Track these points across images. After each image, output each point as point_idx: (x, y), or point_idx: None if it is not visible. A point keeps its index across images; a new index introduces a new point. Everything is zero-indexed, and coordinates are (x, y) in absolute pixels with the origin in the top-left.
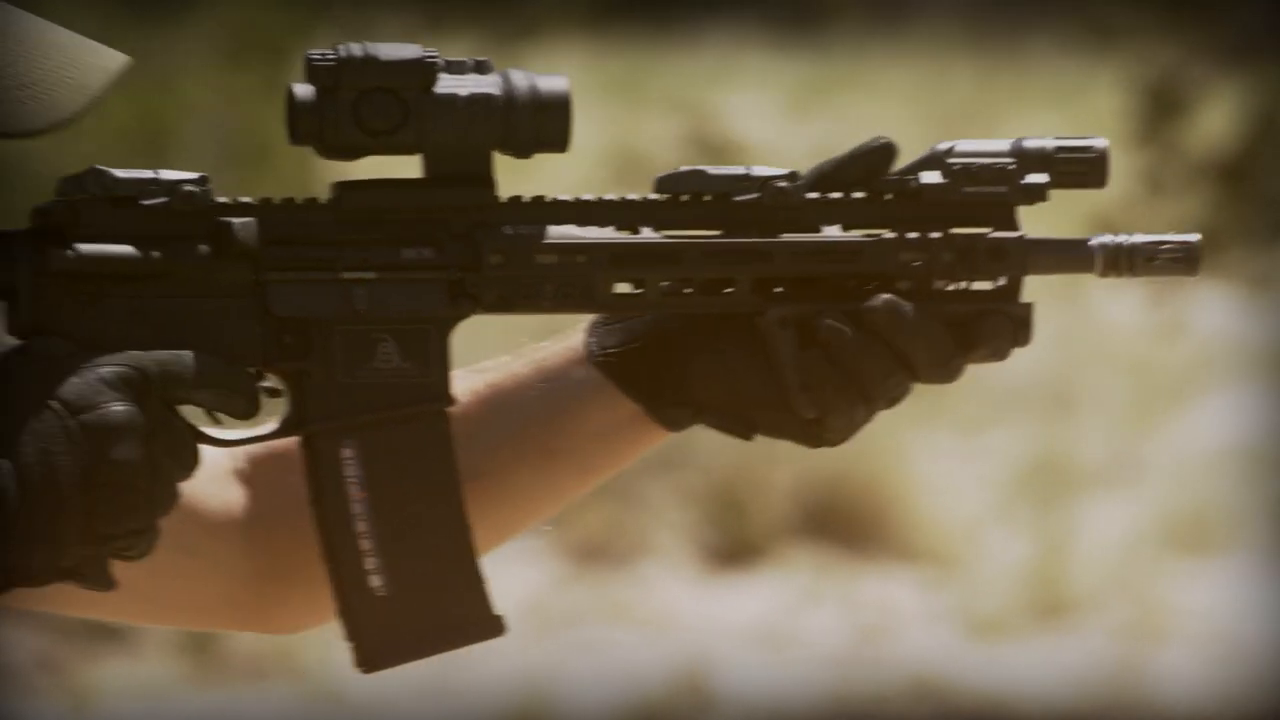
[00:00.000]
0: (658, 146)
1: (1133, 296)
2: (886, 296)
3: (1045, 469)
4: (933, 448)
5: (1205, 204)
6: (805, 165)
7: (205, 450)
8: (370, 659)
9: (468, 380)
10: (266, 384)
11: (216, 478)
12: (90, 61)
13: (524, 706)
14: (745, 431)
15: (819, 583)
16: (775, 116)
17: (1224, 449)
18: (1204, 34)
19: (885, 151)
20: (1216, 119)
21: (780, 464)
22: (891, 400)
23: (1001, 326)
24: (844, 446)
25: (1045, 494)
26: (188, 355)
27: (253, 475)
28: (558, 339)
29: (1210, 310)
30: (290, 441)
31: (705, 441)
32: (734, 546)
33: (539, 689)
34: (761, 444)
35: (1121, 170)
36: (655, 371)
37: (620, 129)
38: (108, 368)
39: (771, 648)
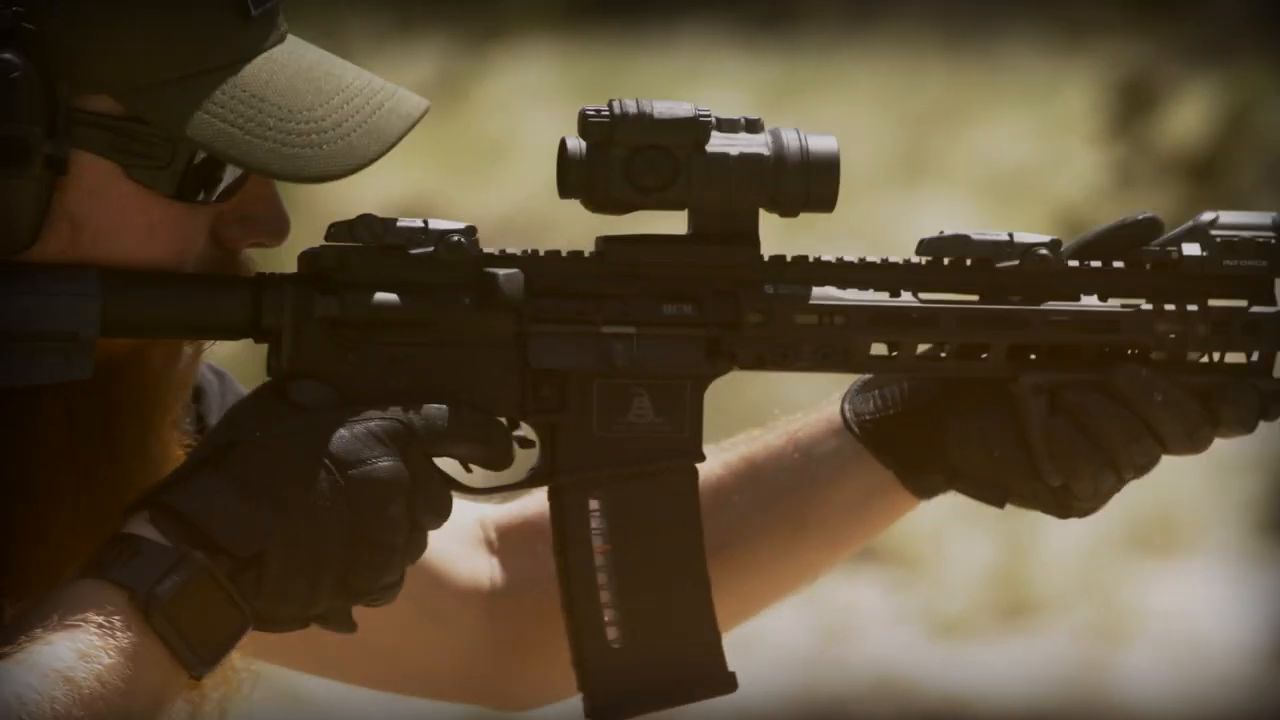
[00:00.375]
0: None
1: None
2: (1131, 366)
3: None
4: None
5: (1175, 199)
6: None
7: (458, 518)
8: (602, 711)
9: (720, 454)
10: (519, 434)
11: (468, 546)
12: (390, 107)
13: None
14: (998, 499)
15: None
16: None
17: None
18: (1175, 31)
19: (1151, 225)
20: (1187, 115)
21: None
22: (1139, 469)
23: (1249, 399)
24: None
25: None
26: (447, 408)
27: (502, 547)
28: (810, 411)
29: None
30: (539, 511)
31: None
32: None
33: None
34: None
35: (1091, 166)
36: (911, 438)
37: None
38: (376, 422)
39: (736, 648)
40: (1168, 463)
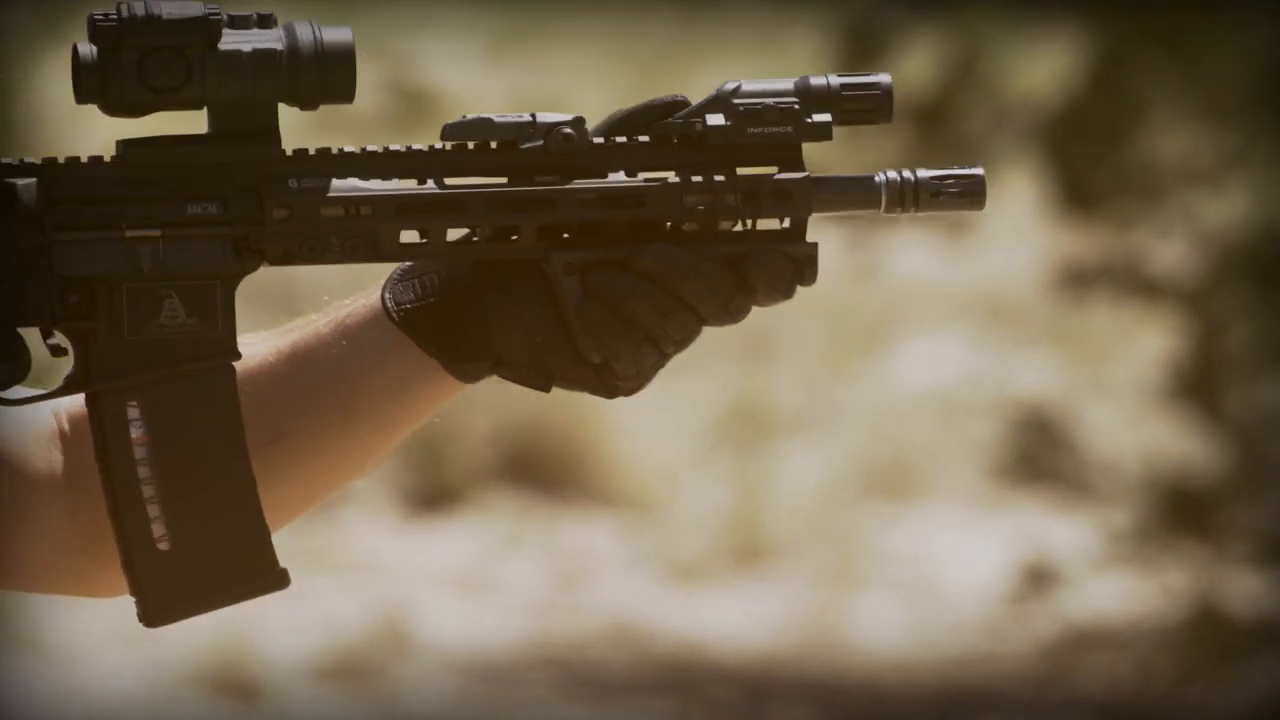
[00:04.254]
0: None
1: (829, 240)
2: (656, 243)
3: (743, 414)
4: None
5: (902, 148)
6: (503, 110)
7: (29, 411)
8: (154, 614)
9: (272, 340)
10: (52, 342)
11: (42, 440)
12: None
13: (222, 652)
14: (543, 383)
15: (518, 528)
16: (473, 63)
17: (920, 393)
18: None
19: (675, 102)
20: (913, 63)
21: (479, 410)
22: (679, 343)
23: (781, 265)
24: (540, 393)
25: (743, 439)
26: None
27: (74, 435)
28: (359, 296)
29: (906, 254)
30: None
31: None
32: (433, 492)
33: (237, 635)
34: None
35: None
36: (452, 325)
37: None
38: None
39: (471, 593)
40: (902, 407)
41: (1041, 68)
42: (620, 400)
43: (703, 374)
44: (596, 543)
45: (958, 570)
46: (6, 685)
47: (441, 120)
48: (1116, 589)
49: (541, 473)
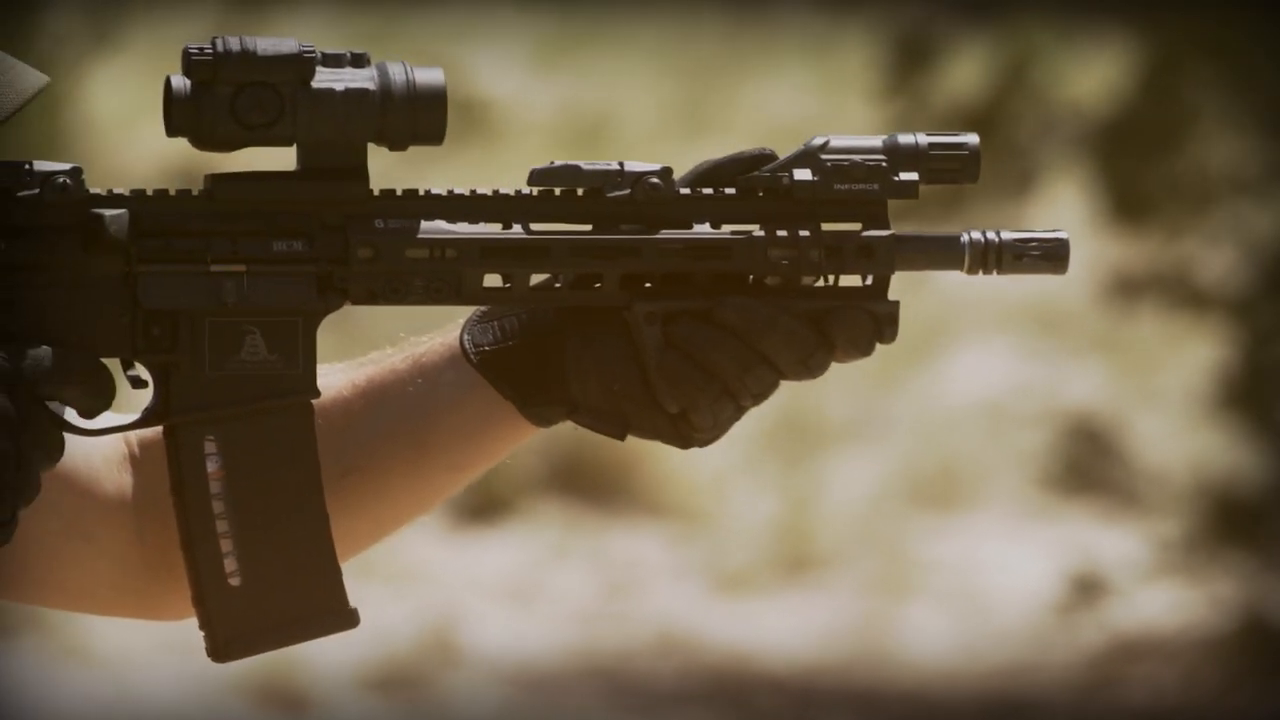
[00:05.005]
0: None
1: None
2: (739, 296)
3: (791, 424)
4: None
5: None
6: (552, 121)
7: (101, 438)
8: (222, 649)
9: (348, 373)
10: (133, 374)
11: (112, 463)
12: (6, 81)
13: (269, 662)
14: (619, 431)
15: (566, 538)
16: (521, 71)
17: (969, 403)
18: None
19: (763, 156)
20: (964, 70)
21: None
22: (757, 397)
23: (861, 322)
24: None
25: (791, 449)
26: (51, 350)
27: (144, 460)
28: (437, 334)
29: None
30: None
31: None
32: (482, 502)
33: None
34: None
35: (869, 121)
36: (529, 369)
37: None
38: None
39: (519, 603)
40: (950, 417)
41: (1091, 76)
42: None
43: None
44: (644, 552)
45: (1005, 580)
46: (55, 695)
47: (490, 130)
48: (1164, 599)
49: (590, 482)
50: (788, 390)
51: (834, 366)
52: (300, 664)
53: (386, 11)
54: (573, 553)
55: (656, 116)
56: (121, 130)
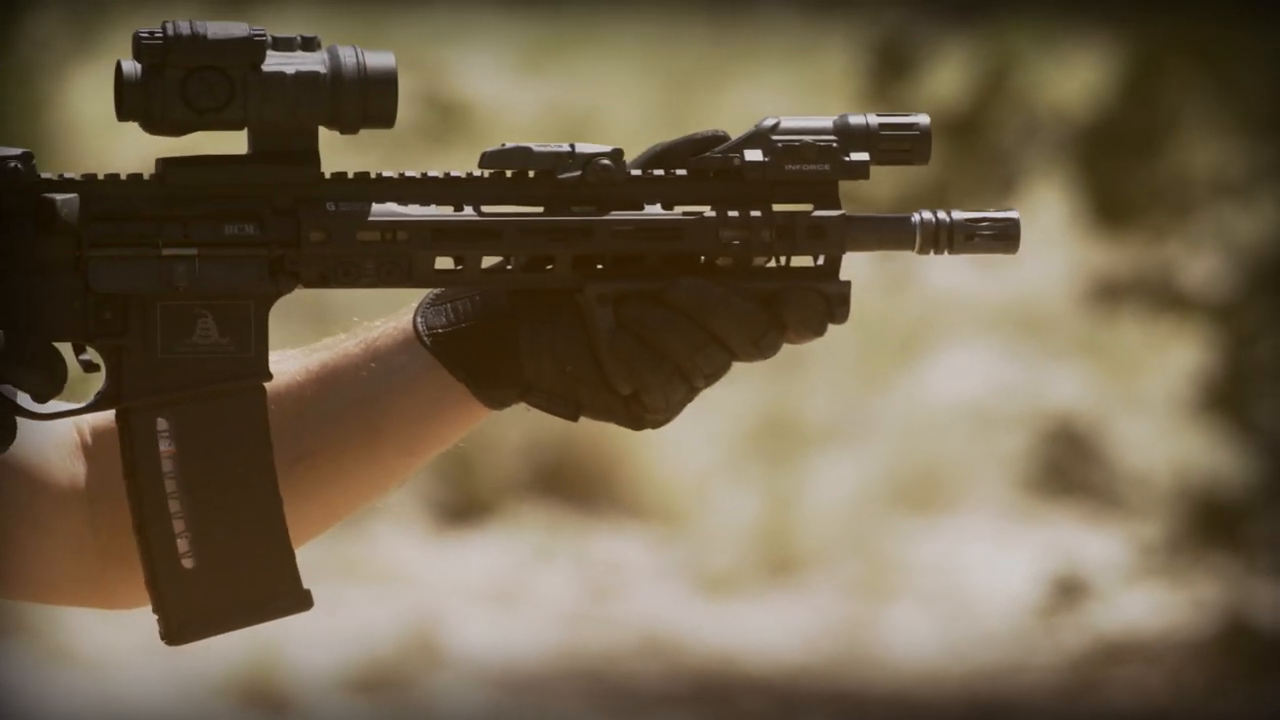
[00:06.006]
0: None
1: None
2: (690, 277)
3: (774, 425)
4: None
5: (935, 160)
6: (537, 123)
7: (52, 423)
8: (176, 632)
9: (301, 359)
10: (85, 358)
11: (64, 451)
12: None
13: (253, 664)
14: (571, 412)
15: (549, 540)
16: (507, 76)
17: (951, 405)
18: None
19: (715, 138)
20: (946, 75)
21: (510, 422)
22: (709, 377)
23: (812, 302)
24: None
25: (774, 451)
26: (3, 334)
27: (96, 449)
28: (389, 318)
29: (938, 266)
30: None
31: None
32: (464, 504)
33: (267, 647)
34: None
35: None
36: (482, 352)
37: None
38: None
39: (502, 605)
40: (933, 419)
41: (1073, 80)
42: None
43: (734, 385)
44: (627, 554)
45: (988, 582)
46: (40, 696)
47: (474, 133)
48: (1146, 601)
49: (572, 484)
50: (771, 392)
51: (817, 369)
52: (283, 665)
53: (370, 13)
54: (556, 554)
55: (640, 119)
56: (104, 133)
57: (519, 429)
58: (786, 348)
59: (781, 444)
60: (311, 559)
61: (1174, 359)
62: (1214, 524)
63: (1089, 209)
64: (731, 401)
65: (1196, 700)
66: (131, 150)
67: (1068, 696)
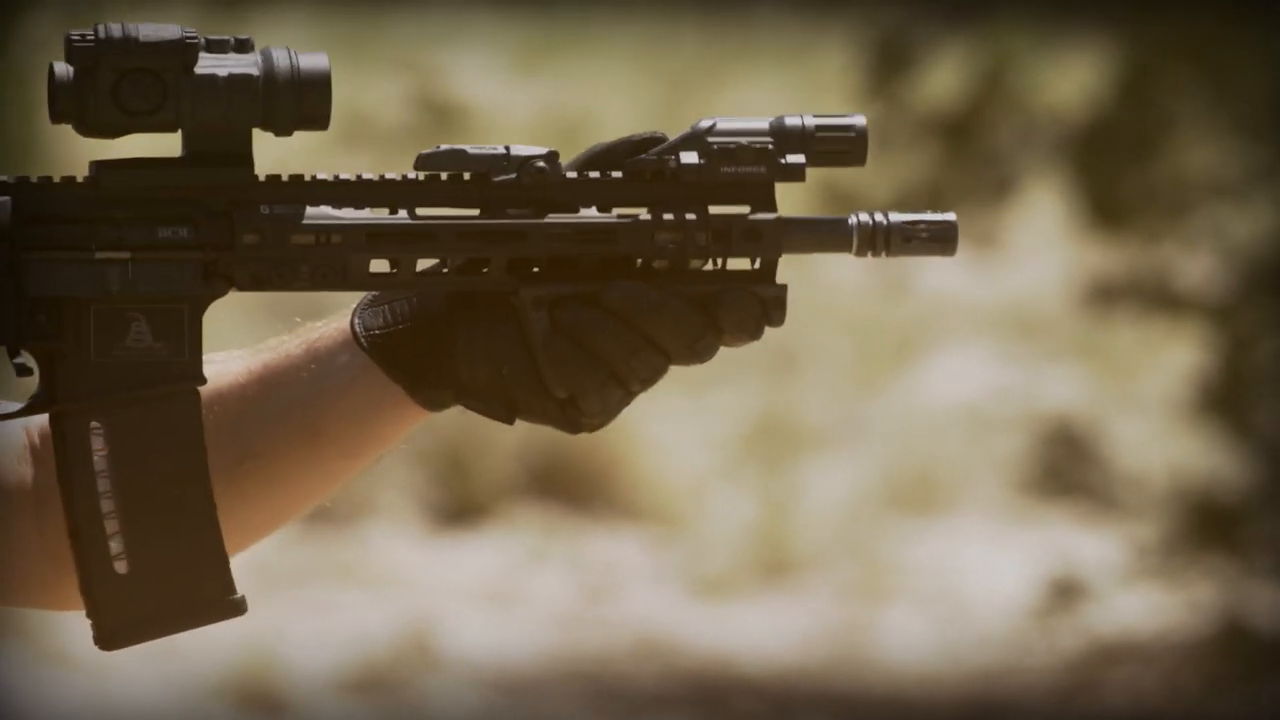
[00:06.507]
0: (384, 106)
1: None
2: (624, 280)
3: (769, 428)
4: (658, 407)
5: (931, 161)
6: (531, 124)
7: (2, 426)
8: (109, 637)
9: (245, 360)
10: (19, 361)
11: (12, 454)
12: None
13: (248, 666)
14: (506, 415)
15: (544, 542)
16: (501, 76)
17: (947, 408)
18: None
19: (652, 140)
20: (942, 76)
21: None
22: (645, 380)
23: (748, 305)
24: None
25: (770, 453)
26: None
27: (44, 452)
28: (331, 319)
29: (933, 268)
30: None
31: None
32: (459, 506)
33: (263, 648)
34: None
35: None
36: (418, 353)
37: (346, 89)
38: None
39: (497, 607)
40: (929, 421)
41: (1069, 81)
42: (647, 414)
43: (729, 388)
44: (623, 556)
45: (984, 584)
46: (35, 698)
47: (469, 134)
48: (1143, 603)
49: (568, 486)
50: (767, 394)
51: (812, 371)
52: (279, 667)
53: (366, 16)
54: (551, 556)
55: (635, 120)
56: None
57: (514, 431)
58: (783, 349)
59: (777, 446)
60: (308, 560)
61: (1170, 360)
62: (1210, 525)
63: (1085, 210)
64: (727, 404)
65: (1193, 702)
66: (128, 153)
67: (1064, 698)
